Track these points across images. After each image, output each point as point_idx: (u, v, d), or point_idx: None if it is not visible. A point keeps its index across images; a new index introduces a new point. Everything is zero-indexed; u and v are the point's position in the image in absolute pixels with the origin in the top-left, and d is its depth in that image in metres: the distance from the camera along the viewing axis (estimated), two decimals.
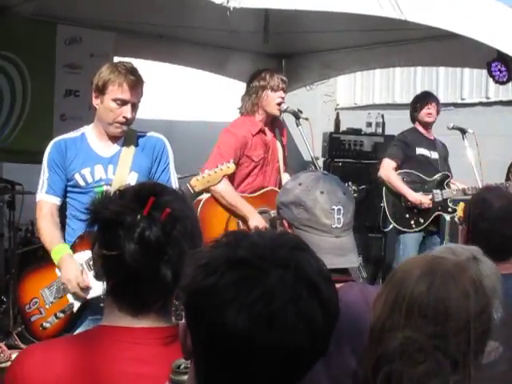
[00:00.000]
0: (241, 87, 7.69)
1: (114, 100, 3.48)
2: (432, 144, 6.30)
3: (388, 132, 8.16)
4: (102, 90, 3.49)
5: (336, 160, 7.77)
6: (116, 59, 6.61)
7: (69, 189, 3.62)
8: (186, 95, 8.40)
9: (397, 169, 6.19)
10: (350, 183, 4.56)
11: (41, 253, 5.64)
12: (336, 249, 2.07)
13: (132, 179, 3.56)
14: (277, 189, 4.79)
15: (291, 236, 1.24)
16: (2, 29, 5.80)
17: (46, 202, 3.60)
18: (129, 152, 3.64)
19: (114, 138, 3.64)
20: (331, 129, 8.60)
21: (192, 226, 1.65)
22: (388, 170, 6.19)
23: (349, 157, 7.76)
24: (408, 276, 1.25)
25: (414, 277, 1.25)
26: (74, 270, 3.44)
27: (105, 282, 1.65)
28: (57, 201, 3.61)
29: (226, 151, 4.61)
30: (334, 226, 2.08)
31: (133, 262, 1.55)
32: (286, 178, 4.96)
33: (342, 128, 8.54)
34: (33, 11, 5.94)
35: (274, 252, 1.13)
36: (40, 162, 6.08)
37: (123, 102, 3.48)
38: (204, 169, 3.80)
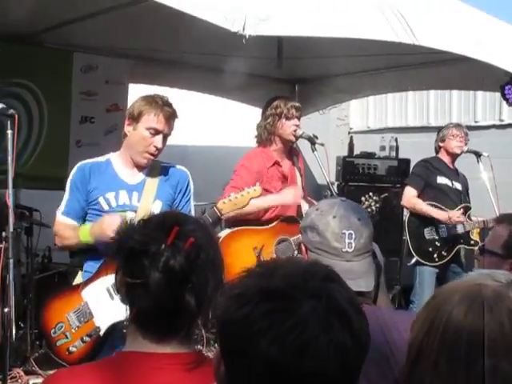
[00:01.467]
0: (255, 112, 7.77)
1: (148, 129, 3.56)
2: (454, 174, 6.26)
3: (402, 155, 8.17)
4: (136, 118, 3.57)
5: (350, 184, 7.78)
6: (131, 86, 6.71)
7: (91, 212, 3.65)
8: (200, 121, 8.46)
9: (418, 196, 6.16)
10: (371, 194, 4.57)
11: (57, 279, 5.71)
12: (345, 272, 2.08)
13: (156, 207, 3.62)
14: (293, 215, 4.81)
15: (323, 266, 1.27)
16: (19, 57, 5.89)
17: (63, 223, 3.67)
18: (154, 181, 3.70)
19: (138, 167, 3.69)
20: (344, 152, 8.62)
21: (214, 254, 1.69)
22: (411, 197, 6.16)
23: (363, 180, 7.76)
24: (447, 300, 1.25)
25: (453, 301, 1.25)
26: (107, 216, 3.48)
27: (127, 310, 1.68)
28: (73, 223, 3.66)
29: (239, 185, 4.61)
30: (344, 250, 2.12)
31: (157, 290, 1.59)
32: (304, 206, 4.99)
33: (356, 152, 8.56)
34: (50, 40, 6.03)
35: (307, 282, 1.16)
36: (56, 188, 6.18)
37: (156, 132, 3.56)
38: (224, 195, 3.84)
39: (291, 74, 7.41)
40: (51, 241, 6.31)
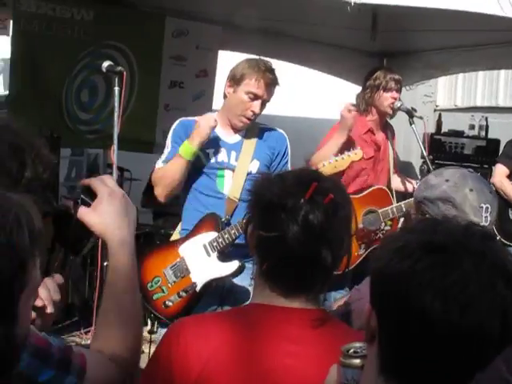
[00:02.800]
0: (344, 84, 7.68)
1: (247, 93, 3.59)
2: None
3: (490, 136, 7.95)
4: (238, 81, 3.61)
5: (436, 162, 7.62)
6: (221, 53, 6.70)
7: (190, 168, 3.67)
8: (287, 91, 8.41)
9: (509, 175, 6.01)
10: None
11: (142, 240, 5.79)
12: None
13: (254, 167, 3.70)
14: (384, 187, 4.75)
15: (479, 226, 1.25)
16: (112, 19, 5.94)
17: (160, 168, 3.71)
18: (252, 141, 3.75)
19: (235, 129, 3.73)
20: (430, 130, 8.44)
21: (349, 212, 1.69)
22: (502, 176, 6.01)
23: (449, 159, 7.56)
24: None
25: None
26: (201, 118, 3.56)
27: (256, 263, 1.71)
28: None
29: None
30: (481, 225, 2.04)
31: (295, 243, 1.60)
32: (395, 180, 4.93)
33: (443, 130, 8.37)
34: (144, 3, 6.07)
35: (469, 240, 1.15)
36: (144, 150, 6.27)
37: (255, 97, 3.59)
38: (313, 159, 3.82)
39: (381, 48, 7.25)
40: (138, 201, 6.46)
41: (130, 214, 1.64)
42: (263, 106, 3.65)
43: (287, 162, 3.82)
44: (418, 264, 1.12)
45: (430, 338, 1.11)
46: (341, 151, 4.01)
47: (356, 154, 3.74)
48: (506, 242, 5.92)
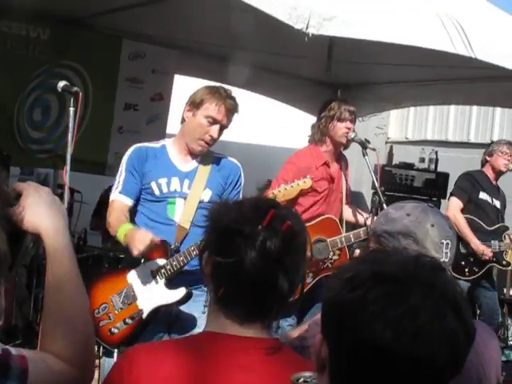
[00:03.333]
0: (297, 114, 7.75)
1: (207, 117, 3.61)
2: (496, 191, 6.24)
3: (440, 169, 8.10)
4: (197, 105, 3.63)
5: (387, 193, 7.71)
6: (177, 77, 6.71)
7: (142, 196, 3.71)
8: (243, 118, 8.43)
9: (462, 208, 6.12)
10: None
11: (91, 262, 5.72)
12: None
13: (206, 196, 3.69)
14: (333, 217, 4.79)
15: (430, 257, 1.26)
16: (69, 39, 5.92)
17: (118, 201, 3.71)
18: (206, 169, 3.75)
19: (192, 155, 3.72)
20: (381, 161, 8.54)
21: (305, 240, 1.71)
22: (456, 211, 6.11)
23: (399, 191, 7.70)
24: None
25: None
26: (144, 231, 3.48)
27: (211, 290, 1.69)
28: (129, 202, 3.71)
29: (282, 181, 4.61)
30: (441, 260, 2.05)
31: (253, 269, 1.60)
32: (347, 210, 4.98)
33: (393, 162, 8.49)
34: (101, 24, 6.05)
35: (419, 271, 1.17)
36: (95, 172, 6.22)
37: (214, 121, 3.60)
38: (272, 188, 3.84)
39: (335, 79, 7.33)
40: (88, 224, 6.39)
41: (60, 207, 1.58)
42: (221, 131, 3.67)
43: (239, 192, 3.82)
44: (369, 294, 1.13)
45: (380, 368, 1.12)
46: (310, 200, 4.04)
47: (305, 183, 3.75)
48: (455, 275, 6.01)
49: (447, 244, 2.07)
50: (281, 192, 3.66)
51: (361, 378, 1.14)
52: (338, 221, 4.79)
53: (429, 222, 2.09)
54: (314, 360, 1.23)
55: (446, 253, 2.07)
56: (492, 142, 6.42)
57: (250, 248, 1.60)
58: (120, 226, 3.58)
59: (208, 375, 1.59)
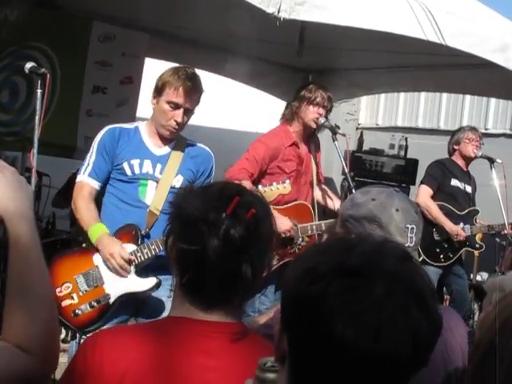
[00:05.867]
0: (269, 98, 7.72)
1: (168, 102, 3.57)
2: (467, 177, 6.30)
3: (410, 156, 8.14)
4: (159, 91, 3.60)
5: (356, 179, 7.74)
6: (147, 60, 6.64)
7: (113, 176, 3.67)
8: (211, 102, 8.38)
9: (431, 196, 6.17)
10: None
11: (59, 245, 5.66)
12: None
13: (178, 181, 3.66)
14: (307, 203, 4.80)
15: (397, 244, 1.23)
16: (37, 20, 5.81)
17: (86, 183, 3.65)
18: (178, 156, 3.71)
19: (164, 140, 3.69)
20: (352, 147, 8.58)
21: (271, 227, 1.70)
22: (427, 197, 6.16)
23: (369, 177, 7.72)
24: None
25: None
26: (118, 244, 3.47)
27: (176, 275, 1.69)
28: (97, 185, 3.66)
29: (253, 158, 4.68)
30: (406, 245, 2.04)
31: (215, 257, 1.59)
32: (317, 192, 4.99)
33: (363, 148, 8.52)
34: (71, 6, 5.96)
35: (383, 261, 1.12)
36: (64, 155, 6.14)
37: (176, 106, 3.56)
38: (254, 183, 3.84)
39: (307, 64, 7.33)
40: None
41: (25, 189, 1.53)
42: (187, 114, 3.62)
43: (210, 181, 3.78)
44: (329, 288, 1.08)
45: (341, 363, 1.08)
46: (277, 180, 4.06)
47: (285, 188, 3.81)
48: (430, 262, 6.08)
49: (412, 229, 2.07)
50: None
51: (320, 373, 1.10)
52: (310, 207, 4.80)
53: (393, 207, 2.08)
54: (275, 351, 1.20)
55: (411, 237, 2.07)
56: (455, 132, 6.46)
57: (213, 236, 1.59)
58: (93, 226, 3.54)
59: (172, 359, 1.59)
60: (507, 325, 1.17)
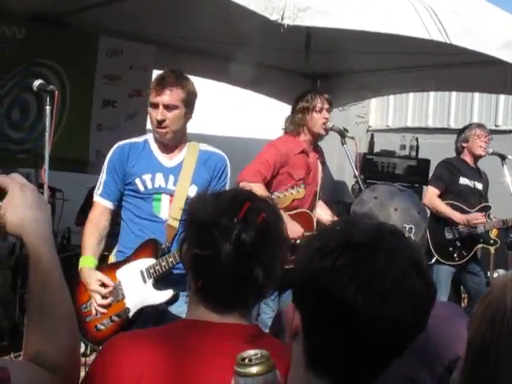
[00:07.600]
0: (277, 105, 7.74)
1: (150, 106, 3.59)
2: (476, 173, 6.23)
3: (421, 156, 8.13)
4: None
5: (368, 181, 7.75)
6: (155, 72, 6.67)
7: (127, 192, 3.67)
8: (222, 111, 8.42)
9: (440, 196, 6.13)
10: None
11: (75, 261, 5.69)
12: None
13: (192, 192, 3.59)
14: (311, 213, 4.81)
15: (389, 224, 1.35)
16: (45, 37, 5.89)
17: (98, 203, 3.69)
18: (190, 165, 3.67)
19: (174, 149, 3.68)
20: (363, 150, 8.59)
21: (282, 231, 1.75)
22: (433, 197, 6.13)
23: (381, 178, 7.69)
24: (505, 291, 1.27)
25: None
26: (94, 282, 3.53)
27: (191, 281, 1.74)
28: (110, 204, 3.69)
29: (266, 161, 4.70)
30: None
31: (228, 262, 1.64)
32: (320, 205, 4.99)
33: (374, 150, 8.52)
34: (77, 22, 6.02)
35: (384, 236, 1.26)
36: (77, 170, 6.19)
37: (155, 106, 3.56)
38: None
39: (315, 69, 7.36)
40: (72, 222, 6.36)
41: (45, 208, 1.55)
42: (170, 110, 3.54)
43: (225, 185, 3.74)
44: (339, 261, 1.21)
45: (352, 328, 1.20)
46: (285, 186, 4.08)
47: (299, 192, 3.86)
48: (444, 261, 6.03)
49: (410, 228, 2.09)
50: (275, 200, 3.66)
51: (335, 340, 1.22)
52: (313, 217, 4.81)
53: (392, 206, 2.12)
54: (287, 328, 1.32)
55: (409, 237, 2.08)
56: (462, 130, 6.42)
57: (225, 241, 1.64)
58: (83, 256, 3.61)
59: (188, 361, 1.62)
60: (494, 323, 1.26)
